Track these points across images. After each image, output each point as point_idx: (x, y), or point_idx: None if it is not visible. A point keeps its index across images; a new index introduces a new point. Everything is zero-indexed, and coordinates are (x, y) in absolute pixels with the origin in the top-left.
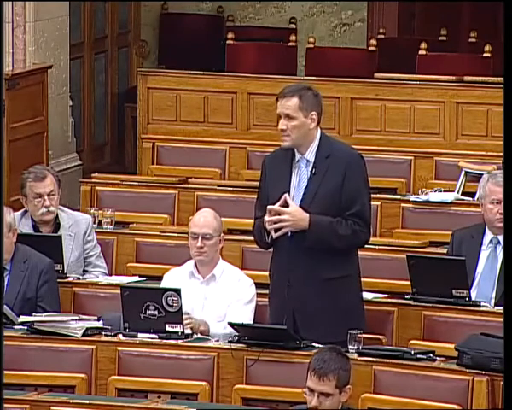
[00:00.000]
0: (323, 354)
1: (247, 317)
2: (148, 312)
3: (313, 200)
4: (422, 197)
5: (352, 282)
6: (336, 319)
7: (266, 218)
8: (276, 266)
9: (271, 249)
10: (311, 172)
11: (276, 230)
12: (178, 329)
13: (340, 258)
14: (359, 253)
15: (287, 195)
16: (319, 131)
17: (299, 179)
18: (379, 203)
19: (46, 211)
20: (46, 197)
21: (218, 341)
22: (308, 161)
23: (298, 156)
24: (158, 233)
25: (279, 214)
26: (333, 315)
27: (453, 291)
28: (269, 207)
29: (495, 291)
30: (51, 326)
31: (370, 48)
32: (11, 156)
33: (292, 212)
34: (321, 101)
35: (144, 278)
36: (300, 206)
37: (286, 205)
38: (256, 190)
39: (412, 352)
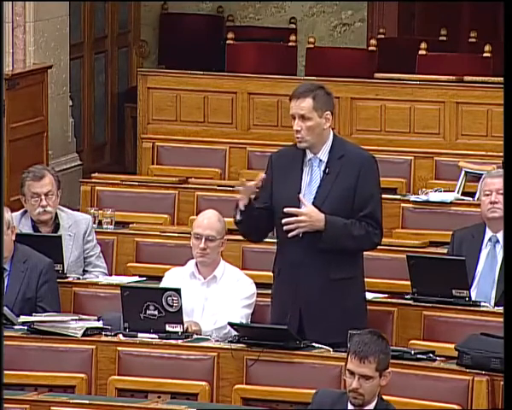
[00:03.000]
0: (364, 337)
1: (243, 312)
2: (148, 312)
3: (326, 200)
4: (422, 197)
5: (356, 283)
6: (340, 320)
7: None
8: (283, 263)
9: (274, 248)
10: (324, 171)
11: (290, 230)
12: (178, 329)
13: (347, 259)
14: None
15: (301, 195)
16: (331, 131)
17: (311, 178)
18: None
19: (42, 211)
20: (43, 197)
21: (217, 341)
22: (321, 160)
23: (309, 155)
24: (158, 233)
25: (295, 215)
26: (337, 315)
27: (453, 291)
28: (285, 209)
29: (495, 290)
30: (51, 326)
31: (370, 48)
32: (11, 156)
33: (308, 212)
34: (333, 100)
35: (144, 278)
36: (312, 205)
37: (299, 205)
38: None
39: (412, 352)
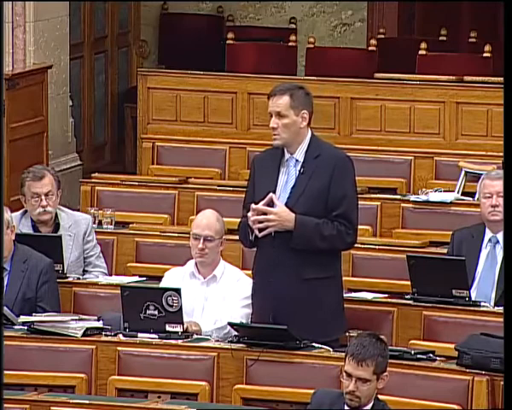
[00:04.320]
0: (362, 340)
1: (243, 312)
2: (148, 312)
3: (299, 199)
4: (422, 197)
5: (333, 283)
6: (313, 320)
7: (251, 216)
8: (260, 263)
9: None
10: (300, 171)
11: (261, 229)
12: (178, 329)
13: (322, 259)
14: (357, 252)
15: (272, 194)
16: (309, 131)
17: (287, 178)
18: (379, 203)
19: (43, 211)
20: (43, 197)
21: (217, 341)
22: (297, 160)
23: (287, 156)
24: (158, 233)
25: (265, 214)
26: (310, 316)
27: (453, 291)
28: (254, 206)
29: (495, 290)
30: (51, 326)
31: (370, 48)
32: (11, 156)
33: (278, 212)
34: (312, 100)
35: (144, 278)
36: (286, 204)
37: (271, 204)
38: None
39: (412, 352)
